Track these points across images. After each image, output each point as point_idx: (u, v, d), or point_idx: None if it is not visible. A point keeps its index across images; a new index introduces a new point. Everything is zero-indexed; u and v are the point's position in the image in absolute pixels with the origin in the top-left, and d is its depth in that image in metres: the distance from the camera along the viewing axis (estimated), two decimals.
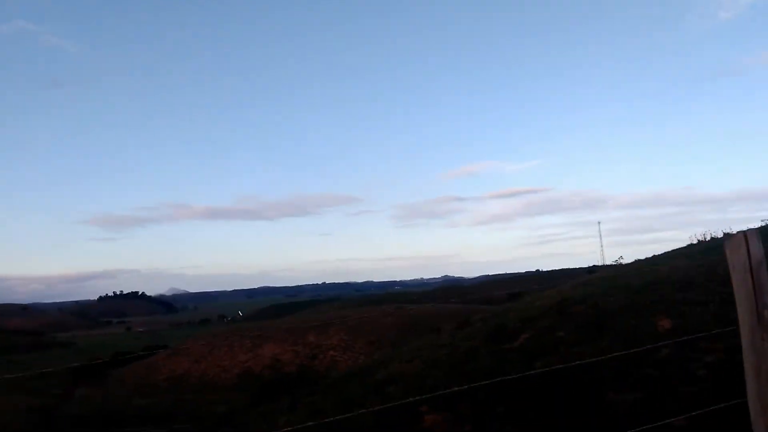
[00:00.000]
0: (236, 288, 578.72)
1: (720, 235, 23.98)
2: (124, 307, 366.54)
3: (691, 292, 12.72)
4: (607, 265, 34.54)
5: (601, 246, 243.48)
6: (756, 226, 24.21)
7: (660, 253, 24.85)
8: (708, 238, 24.21)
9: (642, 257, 27.60)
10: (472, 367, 10.81)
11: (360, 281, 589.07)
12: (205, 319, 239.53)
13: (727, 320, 12.36)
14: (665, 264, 17.54)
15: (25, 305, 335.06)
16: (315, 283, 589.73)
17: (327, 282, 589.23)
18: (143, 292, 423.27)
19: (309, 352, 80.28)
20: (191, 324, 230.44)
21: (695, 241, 24.56)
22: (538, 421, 9.44)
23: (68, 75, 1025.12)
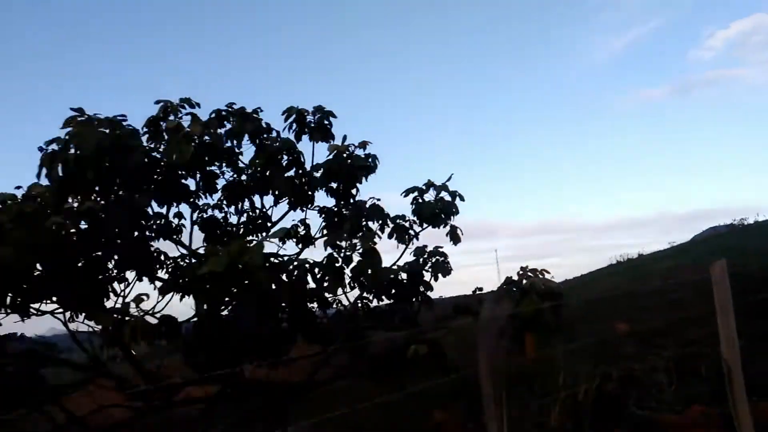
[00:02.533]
0: None
1: (635, 256, 26.94)
2: None
3: (639, 301, 14.38)
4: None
5: (498, 272, 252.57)
6: (665, 247, 27.15)
7: (587, 272, 27.11)
8: (625, 259, 27.03)
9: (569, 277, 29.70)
10: None
11: None
12: None
13: (674, 321, 14.00)
14: (604, 280, 19.32)
15: None
16: None
17: None
18: None
19: None
20: None
21: (614, 262, 27.33)
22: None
23: None
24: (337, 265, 4.90)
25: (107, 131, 4.87)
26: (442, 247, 6.09)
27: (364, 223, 6.04)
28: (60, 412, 4.75)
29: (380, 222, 6.39)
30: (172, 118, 5.47)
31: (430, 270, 5.98)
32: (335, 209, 6.63)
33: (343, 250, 5.08)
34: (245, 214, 6.89)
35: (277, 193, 6.50)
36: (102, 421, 5.61)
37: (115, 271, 5.21)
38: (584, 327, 13.62)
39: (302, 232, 6.99)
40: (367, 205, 6.58)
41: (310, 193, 6.57)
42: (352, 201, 6.45)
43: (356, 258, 4.97)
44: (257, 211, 6.92)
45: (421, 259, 6.09)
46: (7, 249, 3.81)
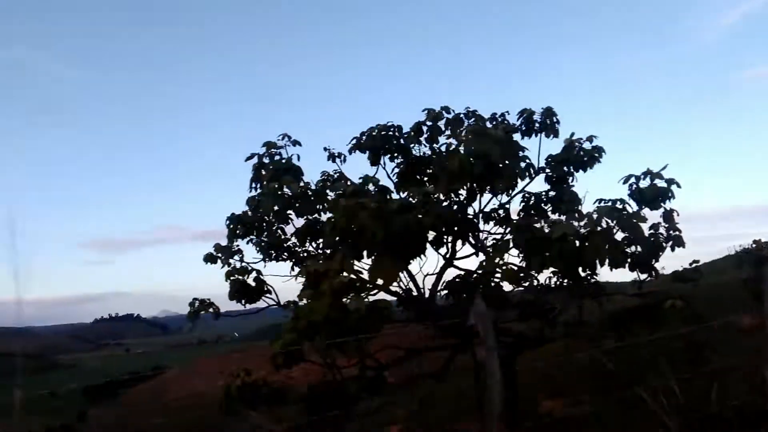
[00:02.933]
0: (228, 309, 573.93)
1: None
2: (120, 329, 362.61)
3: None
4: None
5: None
6: None
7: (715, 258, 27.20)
8: (748, 251, 26.72)
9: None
10: None
11: None
12: (202, 341, 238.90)
13: None
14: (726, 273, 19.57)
15: (20, 328, 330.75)
16: None
17: None
18: (138, 314, 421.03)
19: (320, 369, 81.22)
20: (190, 345, 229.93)
21: (733, 252, 27.14)
22: None
23: (63, 100, 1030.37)
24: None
25: None
26: (678, 224, 7.08)
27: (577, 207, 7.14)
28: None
29: (596, 204, 7.44)
30: (430, 123, 7.03)
31: (665, 242, 7.00)
32: (543, 195, 7.77)
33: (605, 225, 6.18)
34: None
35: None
36: (387, 356, 7.06)
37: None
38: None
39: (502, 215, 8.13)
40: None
41: (514, 181, 7.70)
42: (565, 187, 7.57)
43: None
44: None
45: (656, 233, 7.12)
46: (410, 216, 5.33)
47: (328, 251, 6.23)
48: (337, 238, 5.60)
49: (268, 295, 7.81)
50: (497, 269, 5.86)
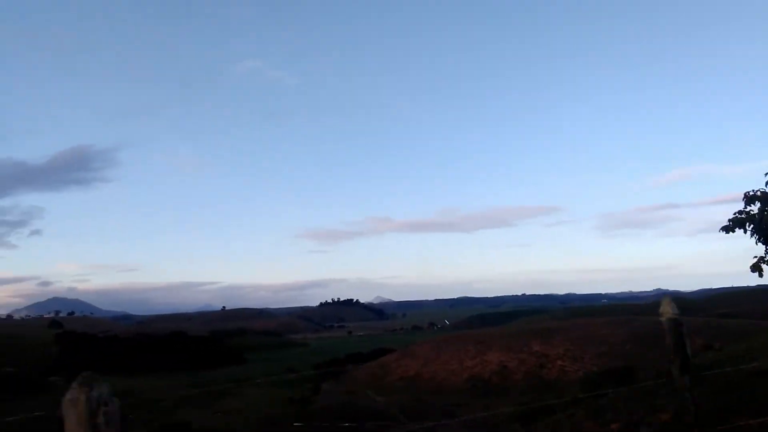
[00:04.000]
0: (438, 298, 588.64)
1: None
2: (341, 312, 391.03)
3: None
4: None
5: None
6: None
7: None
8: None
9: None
10: None
11: (562, 293, 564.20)
12: (416, 326, 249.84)
13: None
14: None
15: (260, 309, 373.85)
16: (515, 294, 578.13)
17: (527, 293, 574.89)
18: (357, 300, 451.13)
19: (536, 361, 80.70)
20: (404, 330, 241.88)
21: None
22: None
23: (286, 105, 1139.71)
24: None
25: None
26: None
27: None
28: None
29: None
30: None
31: None
32: None
33: None
34: None
35: None
36: None
37: None
38: None
39: None
40: None
41: None
42: None
43: None
44: None
45: None
46: None
47: None
48: None
49: None
50: None
